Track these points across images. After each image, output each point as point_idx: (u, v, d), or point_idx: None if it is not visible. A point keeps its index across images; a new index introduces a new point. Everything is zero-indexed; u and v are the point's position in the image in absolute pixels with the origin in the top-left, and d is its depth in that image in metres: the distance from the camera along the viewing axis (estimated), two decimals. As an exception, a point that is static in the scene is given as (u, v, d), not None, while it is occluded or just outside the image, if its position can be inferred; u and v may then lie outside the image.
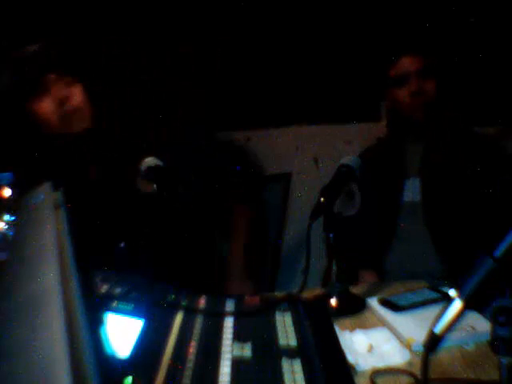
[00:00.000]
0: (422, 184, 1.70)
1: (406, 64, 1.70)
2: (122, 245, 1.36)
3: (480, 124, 1.92)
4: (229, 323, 1.03)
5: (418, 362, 0.94)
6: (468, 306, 0.68)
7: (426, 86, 1.68)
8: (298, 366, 0.86)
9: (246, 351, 0.91)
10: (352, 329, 1.14)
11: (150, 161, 1.38)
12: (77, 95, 1.48)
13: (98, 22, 2.25)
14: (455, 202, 1.64)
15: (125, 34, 2.29)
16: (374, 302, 1.27)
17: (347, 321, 1.20)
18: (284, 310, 1.06)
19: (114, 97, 1.64)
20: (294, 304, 1.07)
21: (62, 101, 1.46)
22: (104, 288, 1.14)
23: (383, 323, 1.18)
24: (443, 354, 1.00)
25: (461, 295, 0.69)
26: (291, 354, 0.89)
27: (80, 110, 1.49)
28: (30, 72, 1.44)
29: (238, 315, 1.06)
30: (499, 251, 0.68)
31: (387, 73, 1.74)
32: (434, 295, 1.25)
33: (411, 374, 0.94)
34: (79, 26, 2.09)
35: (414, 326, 1.11)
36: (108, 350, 0.51)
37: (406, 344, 1.06)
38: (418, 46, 1.76)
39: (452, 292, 0.69)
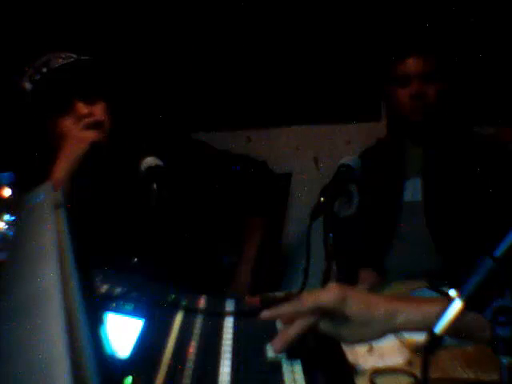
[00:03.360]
0: (422, 184, 1.70)
1: (411, 65, 1.68)
2: (136, 260, 1.36)
3: (480, 124, 1.92)
4: (229, 323, 1.03)
5: (418, 361, 0.94)
6: (468, 306, 0.68)
7: (428, 89, 1.66)
8: (298, 365, 0.86)
9: (246, 351, 0.91)
10: (352, 329, 1.14)
11: (150, 161, 1.38)
12: (99, 112, 1.49)
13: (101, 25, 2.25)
14: (456, 202, 1.63)
15: (124, 34, 2.30)
16: (374, 302, 1.27)
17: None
18: (284, 310, 1.05)
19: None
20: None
21: (84, 117, 1.46)
22: (104, 288, 1.14)
23: (383, 323, 1.18)
24: (443, 354, 1.00)
25: (461, 295, 0.69)
26: (291, 354, 0.89)
27: (100, 124, 1.49)
28: (54, 92, 1.45)
29: (238, 315, 1.06)
30: (499, 251, 0.68)
31: (389, 71, 1.72)
32: (433, 295, 1.25)
33: (411, 374, 0.94)
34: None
35: (414, 326, 1.11)
36: (108, 350, 0.51)
37: (406, 344, 1.06)
38: (424, 47, 1.74)
39: (452, 292, 0.69)
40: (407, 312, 0.83)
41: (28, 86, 1.48)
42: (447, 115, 1.71)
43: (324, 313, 0.85)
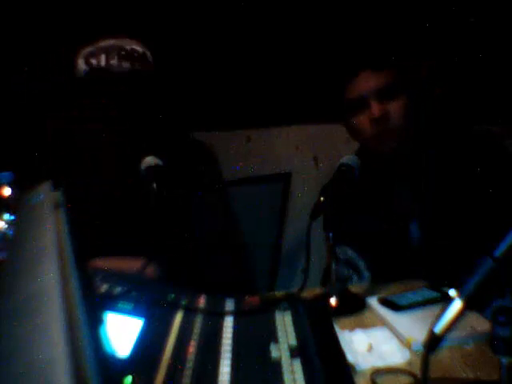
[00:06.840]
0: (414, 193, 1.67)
1: (364, 82, 1.38)
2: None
3: (479, 124, 1.92)
4: (229, 323, 1.03)
5: (417, 361, 0.94)
6: (468, 306, 0.69)
7: (392, 107, 1.37)
8: (298, 366, 0.86)
9: (246, 351, 0.92)
10: (352, 328, 1.14)
11: (149, 160, 1.38)
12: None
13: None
14: (451, 209, 1.60)
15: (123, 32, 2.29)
16: (373, 302, 1.27)
17: (347, 320, 1.20)
18: (284, 310, 1.06)
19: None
20: (294, 304, 1.07)
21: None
22: (104, 288, 1.14)
23: (383, 323, 1.18)
24: (443, 354, 1.00)
25: (461, 295, 0.69)
26: (291, 353, 0.89)
27: None
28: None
29: (237, 315, 1.06)
30: (499, 251, 0.68)
31: (342, 94, 1.44)
32: (433, 295, 1.25)
33: (411, 374, 0.94)
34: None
35: (414, 326, 1.11)
36: (108, 350, 0.51)
37: (406, 344, 1.06)
38: (378, 58, 1.40)
39: (452, 292, 0.70)
40: None
41: (83, 65, 1.47)
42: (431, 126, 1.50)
43: None
